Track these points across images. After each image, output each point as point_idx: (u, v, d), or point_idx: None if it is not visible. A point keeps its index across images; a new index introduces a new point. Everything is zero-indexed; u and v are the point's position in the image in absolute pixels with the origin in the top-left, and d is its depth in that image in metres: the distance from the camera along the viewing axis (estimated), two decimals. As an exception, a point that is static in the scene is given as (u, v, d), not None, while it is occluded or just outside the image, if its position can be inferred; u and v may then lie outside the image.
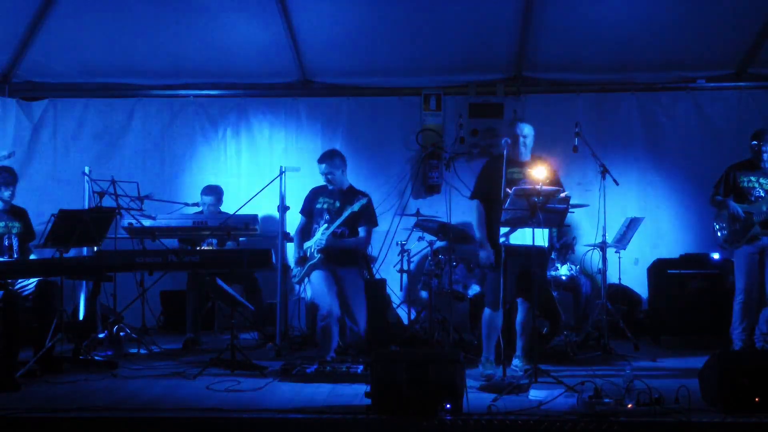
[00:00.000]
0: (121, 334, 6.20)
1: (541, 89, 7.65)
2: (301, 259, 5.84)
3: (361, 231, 5.85)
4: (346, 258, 5.82)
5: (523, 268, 5.04)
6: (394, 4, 6.87)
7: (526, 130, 5.29)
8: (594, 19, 6.87)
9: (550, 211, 4.80)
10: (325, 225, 5.75)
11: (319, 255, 5.70)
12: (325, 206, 5.85)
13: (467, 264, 6.71)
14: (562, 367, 5.25)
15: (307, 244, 5.83)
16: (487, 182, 5.23)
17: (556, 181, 5.20)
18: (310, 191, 6.06)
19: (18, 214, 5.88)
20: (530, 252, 4.90)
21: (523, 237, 4.98)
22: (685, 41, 7.08)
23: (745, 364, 4.07)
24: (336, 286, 5.72)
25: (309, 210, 5.96)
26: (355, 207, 5.65)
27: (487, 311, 5.22)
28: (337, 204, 5.83)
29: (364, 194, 5.88)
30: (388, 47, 7.27)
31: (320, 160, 5.92)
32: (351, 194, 5.87)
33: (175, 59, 7.44)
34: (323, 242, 5.67)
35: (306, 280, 5.85)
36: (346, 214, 5.69)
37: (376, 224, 6.01)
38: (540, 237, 4.89)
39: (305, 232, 5.95)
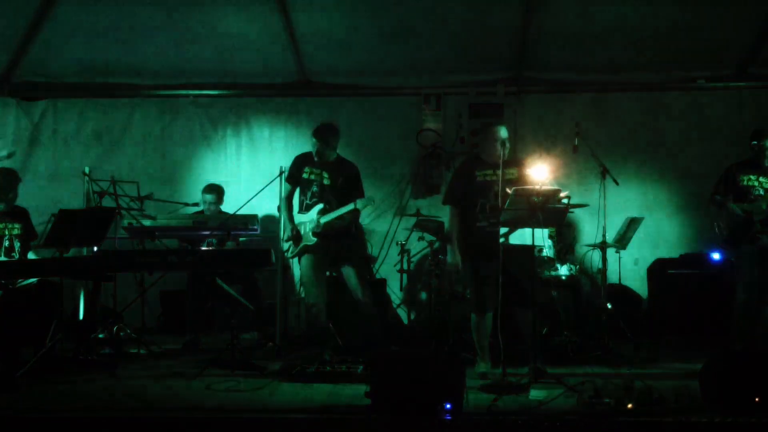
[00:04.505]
0: (121, 334, 6.20)
1: (541, 89, 7.63)
2: (295, 238, 5.79)
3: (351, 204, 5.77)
4: (343, 235, 5.76)
5: (509, 272, 4.83)
6: (395, 4, 6.86)
7: (503, 132, 5.19)
8: (594, 19, 6.86)
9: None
10: (321, 206, 5.70)
11: (315, 239, 5.67)
12: (312, 177, 5.83)
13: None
14: (562, 367, 5.25)
15: (299, 220, 5.81)
16: (459, 186, 5.24)
17: (523, 180, 5.10)
18: (297, 158, 6.02)
19: (18, 215, 5.87)
20: (514, 253, 4.84)
21: (522, 237, 4.97)
22: (685, 41, 7.06)
23: (745, 364, 4.07)
24: (325, 274, 5.75)
25: (296, 178, 5.93)
26: (359, 205, 5.61)
27: (473, 316, 5.19)
28: (325, 174, 5.80)
29: (352, 165, 5.88)
30: (388, 47, 7.26)
31: (318, 136, 5.80)
32: (339, 165, 5.83)
33: (175, 59, 7.43)
34: (319, 229, 5.63)
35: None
36: (344, 210, 5.63)
37: (363, 195, 5.85)
38: (540, 237, 4.87)
39: (291, 200, 5.95)
